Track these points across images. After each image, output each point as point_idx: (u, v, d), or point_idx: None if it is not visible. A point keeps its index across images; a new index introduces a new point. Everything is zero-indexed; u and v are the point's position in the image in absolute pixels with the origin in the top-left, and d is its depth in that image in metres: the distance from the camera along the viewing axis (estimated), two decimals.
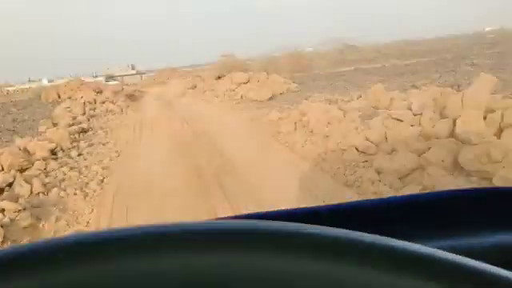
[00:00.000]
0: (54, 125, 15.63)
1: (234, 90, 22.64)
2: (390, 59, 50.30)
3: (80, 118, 18.31)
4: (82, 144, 12.21)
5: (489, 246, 0.74)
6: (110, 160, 10.26)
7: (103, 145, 12.17)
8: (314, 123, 10.29)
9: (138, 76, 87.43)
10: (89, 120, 18.20)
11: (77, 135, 13.87)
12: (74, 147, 11.78)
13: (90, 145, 12.20)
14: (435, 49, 52.94)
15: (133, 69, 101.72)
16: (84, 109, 20.15)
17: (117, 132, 14.55)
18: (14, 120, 21.51)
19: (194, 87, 33.38)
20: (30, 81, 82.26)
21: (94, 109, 20.83)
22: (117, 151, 11.26)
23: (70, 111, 19.54)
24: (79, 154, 10.91)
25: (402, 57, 53.62)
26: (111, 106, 21.18)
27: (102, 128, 15.20)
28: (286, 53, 55.62)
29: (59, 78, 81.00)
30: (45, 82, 77.67)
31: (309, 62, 48.92)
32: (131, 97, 32.95)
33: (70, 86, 35.69)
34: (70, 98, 31.30)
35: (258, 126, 12.68)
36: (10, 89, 72.61)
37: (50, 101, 31.74)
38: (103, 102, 22.90)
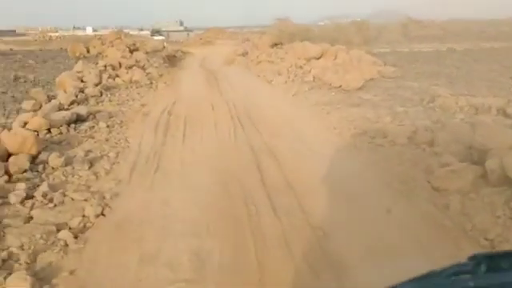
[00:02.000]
0: (37, 108, 9.95)
1: (301, 68, 16.36)
2: (466, 39, 42.51)
3: (88, 91, 12.60)
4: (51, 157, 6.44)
5: None
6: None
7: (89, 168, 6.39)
8: None
9: (185, 33, 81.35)
10: (100, 95, 12.48)
11: (56, 135, 8.23)
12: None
13: (67, 163, 6.44)
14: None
15: (181, 25, 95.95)
16: (100, 76, 14.42)
17: (125, 130, 8.76)
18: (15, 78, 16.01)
19: (245, 54, 27.13)
20: (74, 28, 77.72)
21: (115, 77, 15.04)
22: (110, 190, 5.54)
23: (79, 79, 13.86)
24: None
25: (471, 36, 45.70)
26: (138, 75, 15.32)
27: (104, 118, 9.38)
28: (349, 21, 48.27)
29: (105, 28, 76.19)
30: (89, 30, 72.98)
31: (377, 34, 41.79)
32: (171, 59, 27.07)
33: (105, 39, 30.15)
34: (100, 54, 25.88)
35: (376, 155, 6.66)
36: (53, 34, 68.26)
37: (77, 55, 26.22)
38: (130, 67, 17.08)
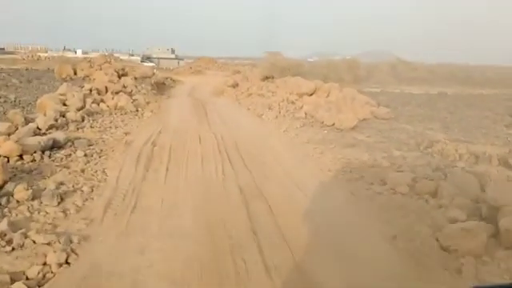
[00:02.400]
0: (12, 131, 9.23)
1: (293, 103, 15.94)
2: (454, 84, 42.97)
3: (70, 115, 11.95)
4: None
5: None
6: None
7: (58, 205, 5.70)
8: None
9: (176, 61, 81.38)
10: (81, 120, 11.82)
11: (28, 163, 7.55)
12: None
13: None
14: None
15: (172, 52, 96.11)
16: (84, 100, 13.78)
17: (104, 160, 8.08)
18: None
19: (236, 85, 26.76)
20: (64, 49, 77.14)
21: (100, 102, 14.40)
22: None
23: (62, 102, 13.21)
24: None
25: (459, 81, 46.26)
26: (124, 101, 14.70)
27: (82, 146, 8.69)
28: (340, 59, 48.58)
29: (95, 51, 75.84)
30: (79, 52, 72.48)
31: (367, 73, 41.95)
32: (160, 86, 26.59)
33: (93, 62, 29.66)
34: (87, 76, 25.31)
35: (376, 205, 6.09)
36: (42, 54, 67.61)
37: (64, 76, 25.60)
38: (117, 93, 16.48)
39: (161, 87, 26.93)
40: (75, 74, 25.97)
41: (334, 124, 12.62)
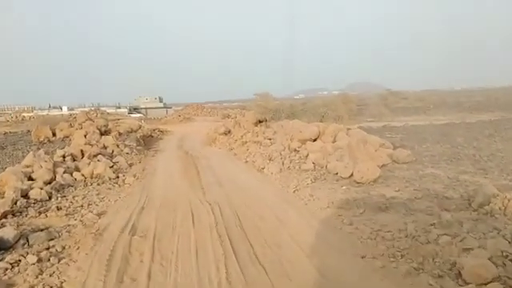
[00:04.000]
0: None
1: (296, 151, 13.81)
2: (449, 111, 41.40)
3: (34, 193, 9.72)
4: None
5: None
6: None
7: None
8: None
9: (164, 109, 79.83)
10: (48, 199, 9.56)
11: None
12: None
13: None
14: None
15: (160, 101, 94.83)
16: (54, 171, 11.56)
17: (64, 267, 5.78)
18: None
19: (228, 132, 24.73)
20: (50, 107, 75.29)
21: (73, 170, 12.17)
22: None
23: (26, 176, 10.97)
24: None
25: (453, 108, 44.80)
26: (102, 167, 12.47)
27: (39, 244, 6.40)
28: (335, 94, 46.99)
29: (81, 106, 74.02)
30: (65, 109, 70.58)
31: (360, 107, 40.23)
32: (146, 140, 24.52)
33: (75, 120, 27.64)
34: (66, 137, 23.17)
35: None
36: (26, 115, 65.78)
37: (42, 139, 23.41)
38: (95, 156, 14.30)
39: (148, 140, 24.89)
40: (54, 135, 23.81)
41: (351, 176, 10.48)
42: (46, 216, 8.37)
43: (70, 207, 9.01)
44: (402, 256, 5.71)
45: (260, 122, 25.37)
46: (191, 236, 6.84)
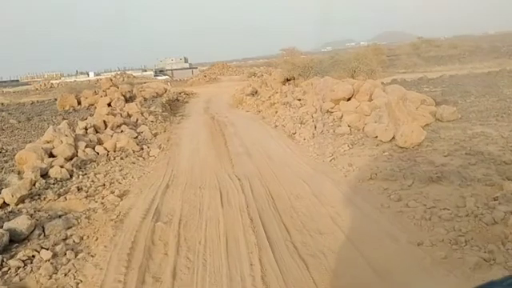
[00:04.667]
0: None
1: (329, 113, 12.79)
2: (485, 58, 38.93)
3: (54, 171, 9.16)
4: None
5: None
6: None
7: None
8: None
9: (190, 70, 78.90)
10: (69, 177, 8.99)
11: None
12: None
13: None
14: None
15: (186, 61, 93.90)
16: (76, 146, 10.99)
17: (81, 263, 5.14)
18: None
19: (255, 93, 23.77)
20: (77, 73, 75.41)
21: (96, 144, 11.58)
22: None
23: (47, 152, 10.42)
24: None
25: (489, 54, 42.11)
26: (125, 139, 11.84)
27: (55, 234, 5.77)
28: (364, 46, 44.94)
29: (107, 71, 73.91)
30: (91, 75, 70.63)
31: (391, 57, 38.33)
32: (172, 104, 23.86)
33: (99, 86, 27.16)
34: (91, 105, 22.70)
35: None
36: (54, 82, 66.07)
37: (67, 108, 23.02)
38: (118, 126, 13.68)
39: (173, 105, 24.22)
40: (79, 103, 23.34)
41: (392, 139, 9.49)
42: (66, 199, 7.77)
43: (91, 187, 8.40)
44: (467, 242, 4.82)
45: (288, 80, 24.24)
46: (220, 221, 6.10)
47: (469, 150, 8.29)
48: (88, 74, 72.49)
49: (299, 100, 16.09)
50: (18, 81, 75.87)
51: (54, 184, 8.64)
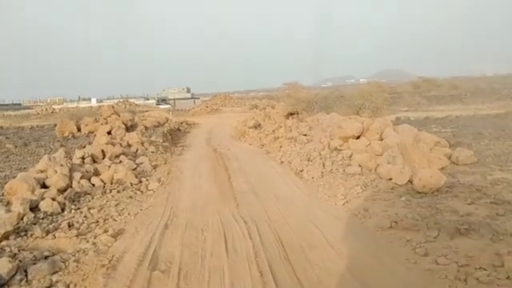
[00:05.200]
0: None
1: (338, 151, 12.16)
2: (488, 99, 38.77)
3: (45, 204, 8.43)
4: None
5: None
6: None
7: None
8: None
9: (192, 100, 78.87)
10: (60, 211, 8.25)
11: None
12: None
13: None
14: None
15: (188, 91, 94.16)
16: (70, 177, 10.30)
17: None
18: None
19: (258, 126, 23.22)
20: (79, 99, 75.23)
21: (92, 175, 10.88)
22: None
23: (39, 183, 9.71)
24: None
25: (490, 96, 41.99)
26: (123, 171, 11.16)
27: (38, 280, 5.06)
28: (364, 83, 44.76)
29: (110, 98, 73.78)
30: (93, 101, 70.37)
31: (392, 95, 37.97)
32: (173, 134, 23.27)
33: (101, 113, 26.63)
34: (91, 133, 22.10)
35: None
36: (56, 107, 65.79)
37: (66, 135, 22.41)
38: (117, 156, 13.02)
39: (175, 135, 23.65)
40: (79, 130, 22.74)
41: (408, 183, 8.83)
42: (54, 237, 7.03)
43: (83, 223, 7.67)
44: None
45: (291, 114, 23.71)
46: (225, 272, 5.36)
47: (493, 198, 7.63)
48: (90, 100, 72.29)
49: (305, 135, 15.51)
50: (20, 104, 75.66)
51: (43, 219, 7.91)
